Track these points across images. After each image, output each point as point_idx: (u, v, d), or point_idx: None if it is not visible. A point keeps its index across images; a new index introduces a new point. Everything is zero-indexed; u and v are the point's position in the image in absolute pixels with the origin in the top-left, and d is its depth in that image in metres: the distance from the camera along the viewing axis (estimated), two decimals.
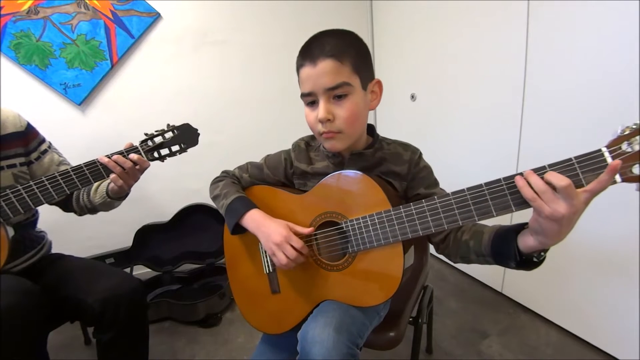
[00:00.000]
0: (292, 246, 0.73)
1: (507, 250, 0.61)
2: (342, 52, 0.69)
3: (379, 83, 0.77)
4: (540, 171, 0.53)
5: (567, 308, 1.35)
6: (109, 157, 0.89)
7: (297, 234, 0.75)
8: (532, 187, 0.53)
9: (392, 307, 0.92)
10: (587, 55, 1.13)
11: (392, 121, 2.17)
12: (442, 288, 1.72)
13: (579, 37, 1.14)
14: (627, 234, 1.10)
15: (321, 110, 0.71)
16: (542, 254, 0.59)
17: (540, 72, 1.28)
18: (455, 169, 1.70)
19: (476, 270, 1.76)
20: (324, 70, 0.69)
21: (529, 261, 0.60)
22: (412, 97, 1.92)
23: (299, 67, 0.74)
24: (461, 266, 1.85)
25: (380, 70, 2.20)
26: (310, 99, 0.73)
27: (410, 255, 0.73)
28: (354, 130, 0.74)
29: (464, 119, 1.65)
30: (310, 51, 0.71)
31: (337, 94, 0.70)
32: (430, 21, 1.73)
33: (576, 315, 1.32)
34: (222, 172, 0.95)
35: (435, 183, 0.81)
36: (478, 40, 1.49)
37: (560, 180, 0.50)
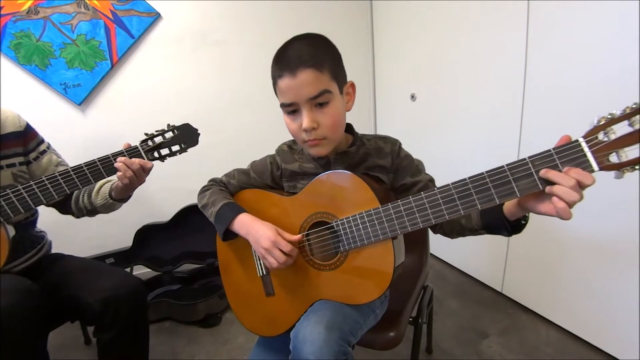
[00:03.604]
0: (280, 250, 0.74)
1: (497, 221, 0.66)
2: (320, 60, 0.69)
3: (353, 85, 0.79)
4: (522, 165, 0.53)
5: (567, 308, 1.35)
6: (114, 159, 0.89)
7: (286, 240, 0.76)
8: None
9: (392, 307, 0.92)
10: (587, 56, 1.13)
11: (392, 121, 2.17)
12: (442, 288, 1.72)
13: (579, 37, 1.14)
14: (627, 234, 1.10)
15: (305, 119, 0.71)
16: (527, 215, 0.64)
17: (540, 72, 1.28)
18: (455, 168, 1.70)
19: (476, 270, 1.76)
20: (306, 81, 0.69)
21: (518, 226, 0.65)
22: (412, 97, 1.92)
23: (276, 77, 0.73)
24: (461, 266, 1.85)
25: (380, 70, 2.20)
26: (291, 109, 0.73)
27: (402, 252, 0.73)
28: (337, 135, 0.77)
29: (464, 119, 1.65)
30: (287, 61, 0.70)
31: (319, 101, 0.71)
32: (430, 21, 1.73)
33: (576, 315, 1.32)
34: (210, 180, 0.95)
35: (419, 170, 0.82)
36: (478, 40, 1.50)
37: (587, 179, 0.49)
